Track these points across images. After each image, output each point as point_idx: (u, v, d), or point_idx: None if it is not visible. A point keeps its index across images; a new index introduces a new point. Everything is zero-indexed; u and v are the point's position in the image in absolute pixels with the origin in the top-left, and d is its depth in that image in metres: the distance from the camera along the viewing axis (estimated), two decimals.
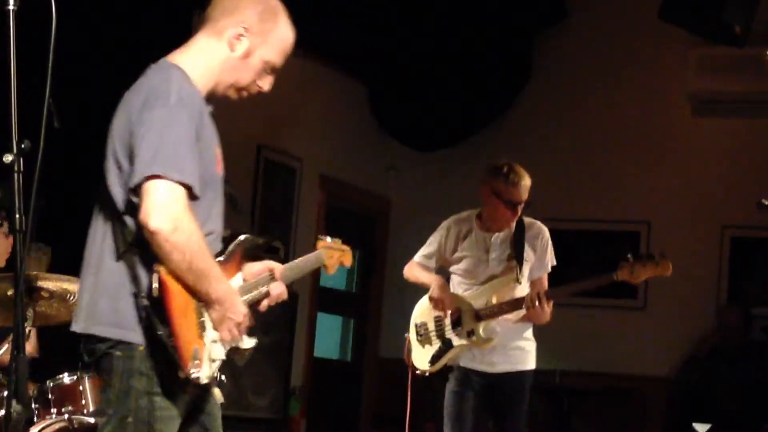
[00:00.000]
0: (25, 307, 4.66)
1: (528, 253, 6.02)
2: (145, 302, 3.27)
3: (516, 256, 5.97)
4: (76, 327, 3.41)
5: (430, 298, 6.05)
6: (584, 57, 9.89)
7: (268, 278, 3.77)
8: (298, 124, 9.31)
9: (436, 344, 6.09)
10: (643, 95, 9.72)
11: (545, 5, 9.75)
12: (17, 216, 2.99)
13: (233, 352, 3.54)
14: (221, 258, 3.53)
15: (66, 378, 5.20)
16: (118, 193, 3.35)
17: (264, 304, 3.77)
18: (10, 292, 4.77)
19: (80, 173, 5.23)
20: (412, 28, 9.40)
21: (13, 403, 3.02)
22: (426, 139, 10.05)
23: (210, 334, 3.40)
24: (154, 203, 3.21)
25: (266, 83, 3.69)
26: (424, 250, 6.21)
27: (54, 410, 5.14)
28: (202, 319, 3.38)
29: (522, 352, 6.12)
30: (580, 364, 9.38)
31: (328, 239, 4.44)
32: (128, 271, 3.33)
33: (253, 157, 8.88)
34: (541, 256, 6.08)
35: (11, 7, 2.95)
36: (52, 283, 5.08)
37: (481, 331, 5.96)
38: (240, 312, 3.45)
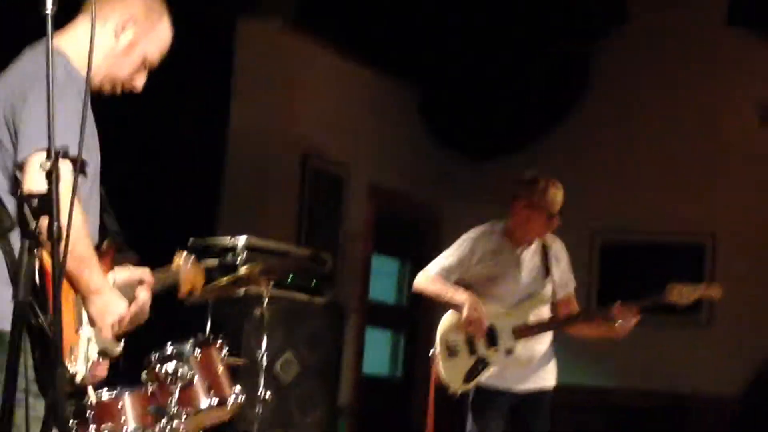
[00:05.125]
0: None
1: (554, 270, 6.04)
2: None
3: (547, 273, 6.00)
4: None
5: (467, 320, 5.90)
6: (645, 63, 9.73)
7: (135, 284, 3.59)
8: (345, 132, 9.25)
9: (469, 362, 5.98)
10: (708, 103, 9.53)
11: (605, 10, 9.59)
12: (54, 224, 2.82)
13: (101, 354, 3.37)
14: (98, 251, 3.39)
15: (105, 394, 4.98)
16: (2, 169, 3.22)
17: (131, 310, 3.54)
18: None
19: None
20: (466, 33, 9.30)
21: None
22: (479, 147, 9.99)
23: (86, 330, 3.26)
24: (36, 175, 2.99)
25: (140, 80, 3.55)
26: (443, 263, 6.08)
27: (93, 427, 4.92)
28: (81, 312, 3.24)
29: (550, 370, 6.10)
30: (640, 382, 9.24)
31: (183, 256, 4.09)
32: (6, 256, 3.14)
33: (299, 166, 8.78)
34: (566, 273, 6.11)
35: (49, 12, 2.83)
36: None
37: (520, 349, 5.91)
38: (122, 306, 3.35)
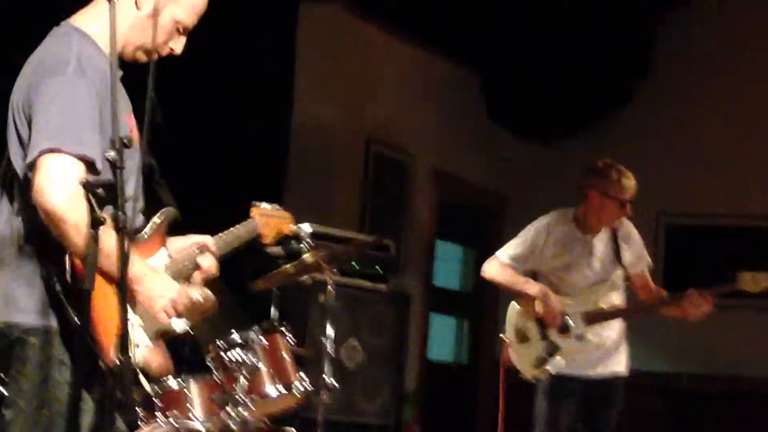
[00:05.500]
0: None
1: (624, 255, 6.00)
2: (58, 287, 3.05)
3: (618, 258, 5.98)
4: None
5: (542, 312, 5.91)
6: (709, 43, 9.64)
7: (197, 252, 3.54)
8: (409, 117, 9.21)
9: (540, 348, 5.97)
10: None
11: None
12: (120, 214, 2.81)
13: (162, 335, 3.31)
14: (143, 234, 3.35)
15: (171, 382, 4.98)
16: (21, 168, 3.15)
17: (196, 279, 3.52)
18: None
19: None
20: (526, 17, 9.23)
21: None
22: (542, 130, 9.90)
23: (132, 318, 3.17)
24: (47, 179, 2.98)
25: (178, 45, 3.41)
26: (513, 251, 6.07)
27: (159, 415, 4.92)
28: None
29: (621, 356, 6.08)
30: (709, 367, 9.18)
31: (264, 205, 4.08)
32: (38, 253, 3.10)
33: (362, 153, 8.78)
34: (638, 252, 6.06)
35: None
36: None
37: (590, 335, 5.91)
38: (171, 288, 3.24)
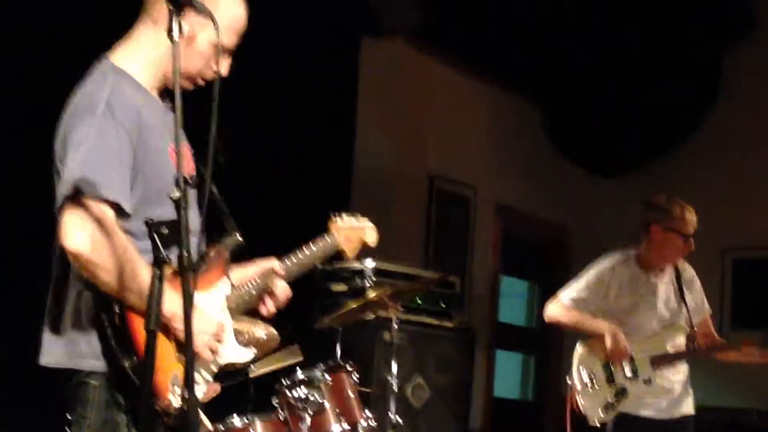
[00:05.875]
0: None
1: (688, 296, 5.99)
2: (109, 331, 3.04)
3: (683, 300, 5.97)
4: (45, 360, 3.18)
5: (610, 351, 5.87)
6: None
7: (264, 281, 3.49)
8: (471, 151, 9.19)
9: (608, 392, 5.94)
10: None
11: (731, 17, 9.40)
12: (185, 254, 2.76)
13: (225, 369, 3.27)
14: (203, 264, 3.30)
15: (236, 420, 4.95)
16: None
17: (270, 308, 3.50)
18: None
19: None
20: (589, 49, 9.19)
21: None
22: (605, 164, 9.89)
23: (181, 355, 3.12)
24: (70, 223, 2.98)
25: (223, 67, 3.33)
26: (576, 293, 6.04)
27: None
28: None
29: (690, 397, 6.04)
30: None
31: (344, 217, 3.99)
32: (93, 297, 3.08)
33: (425, 188, 8.77)
34: (700, 297, 6.07)
35: (176, 39, 2.81)
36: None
37: (658, 379, 5.90)
38: (211, 323, 3.20)
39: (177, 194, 2.77)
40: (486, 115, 9.31)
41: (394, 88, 8.38)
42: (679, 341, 5.96)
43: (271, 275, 3.52)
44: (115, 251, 2.97)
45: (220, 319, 3.26)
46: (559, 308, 6.05)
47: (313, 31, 7.26)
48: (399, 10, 8.18)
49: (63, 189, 3.01)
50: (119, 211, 3.04)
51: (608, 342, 5.83)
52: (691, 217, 5.84)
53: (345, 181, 7.88)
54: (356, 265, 6.69)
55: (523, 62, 9.03)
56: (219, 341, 3.22)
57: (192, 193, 3.24)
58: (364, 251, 4.08)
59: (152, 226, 2.81)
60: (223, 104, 3.00)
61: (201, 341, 3.17)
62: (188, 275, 2.78)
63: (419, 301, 7.02)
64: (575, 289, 6.04)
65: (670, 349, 5.90)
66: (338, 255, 3.95)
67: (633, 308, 5.94)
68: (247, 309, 3.46)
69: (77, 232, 2.96)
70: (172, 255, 2.82)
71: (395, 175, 8.45)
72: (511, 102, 9.54)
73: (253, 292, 3.47)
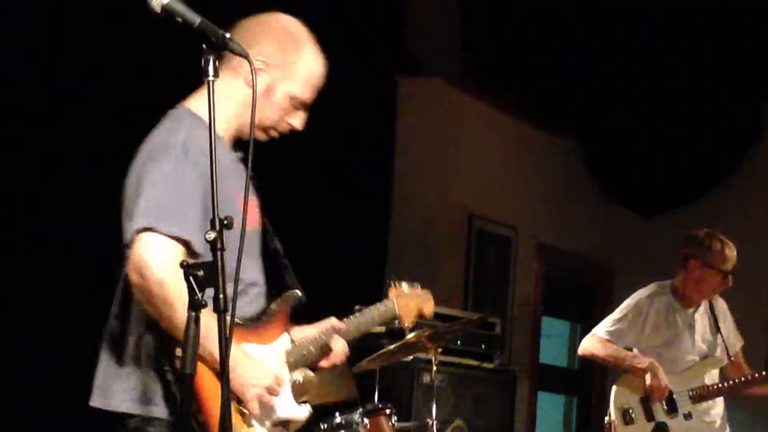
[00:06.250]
0: None
1: (722, 327, 5.99)
2: (170, 377, 3.01)
3: (719, 333, 5.96)
4: (98, 402, 3.15)
5: (650, 387, 5.81)
6: None
7: (323, 339, 3.45)
8: (511, 190, 9.17)
9: (647, 429, 5.89)
10: None
11: None
12: (221, 296, 2.72)
13: (282, 425, 3.21)
14: (264, 317, 3.26)
15: None
16: None
17: (324, 364, 3.47)
18: None
19: None
20: (631, 85, 9.15)
21: None
22: (647, 202, 9.80)
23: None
24: (141, 256, 2.97)
25: (298, 121, 3.36)
26: (612, 326, 6.00)
27: None
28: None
29: (727, 430, 6.02)
30: None
31: (403, 285, 3.93)
32: (151, 339, 3.05)
33: (464, 228, 8.70)
34: (734, 329, 6.07)
35: (211, 78, 2.77)
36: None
37: (698, 413, 5.88)
38: (267, 375, 3.12)
39: (212, 235, 2.72)
40: (526, 153, 9.26)
41: (433, 127, 8.35)
42: (716, 374, 5.92)
43: (331, 333, 3.47)
44: (183, 290, 2.86)
45: (278, 373, 3.20)
46: (594, 343, 6.01)
47: (351, 71, 7.25)
48: (438, 53, 8.19)
49: (136, 224, 2.99)
50: (189, 250, 3.02)
51: (648, 379, 5.78)
52: (731, 254, 5.78)
53: (384, 221, 7.85)
54: None
55: (564, 101, 8.99)
56: (274, 394, 3.15)
57: (255, 244, 3.24)
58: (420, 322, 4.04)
59: (187, 269, 2.75)
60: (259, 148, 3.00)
61: (252, 393, 3.10)
62: (224, 317, 2.72)
63: (459, 343, 6.97)
64: (611, 320, 6.01)
65: (707, 382, 5.84)
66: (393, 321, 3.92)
67: (670, 341, 5.89)
68: (305, 366, 3.41)
69: (149, 266, 2.93)
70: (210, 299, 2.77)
71: (434, 215, 8.41)
72: (552, 140, 9.49)
73: (312, 349, 3.42)
